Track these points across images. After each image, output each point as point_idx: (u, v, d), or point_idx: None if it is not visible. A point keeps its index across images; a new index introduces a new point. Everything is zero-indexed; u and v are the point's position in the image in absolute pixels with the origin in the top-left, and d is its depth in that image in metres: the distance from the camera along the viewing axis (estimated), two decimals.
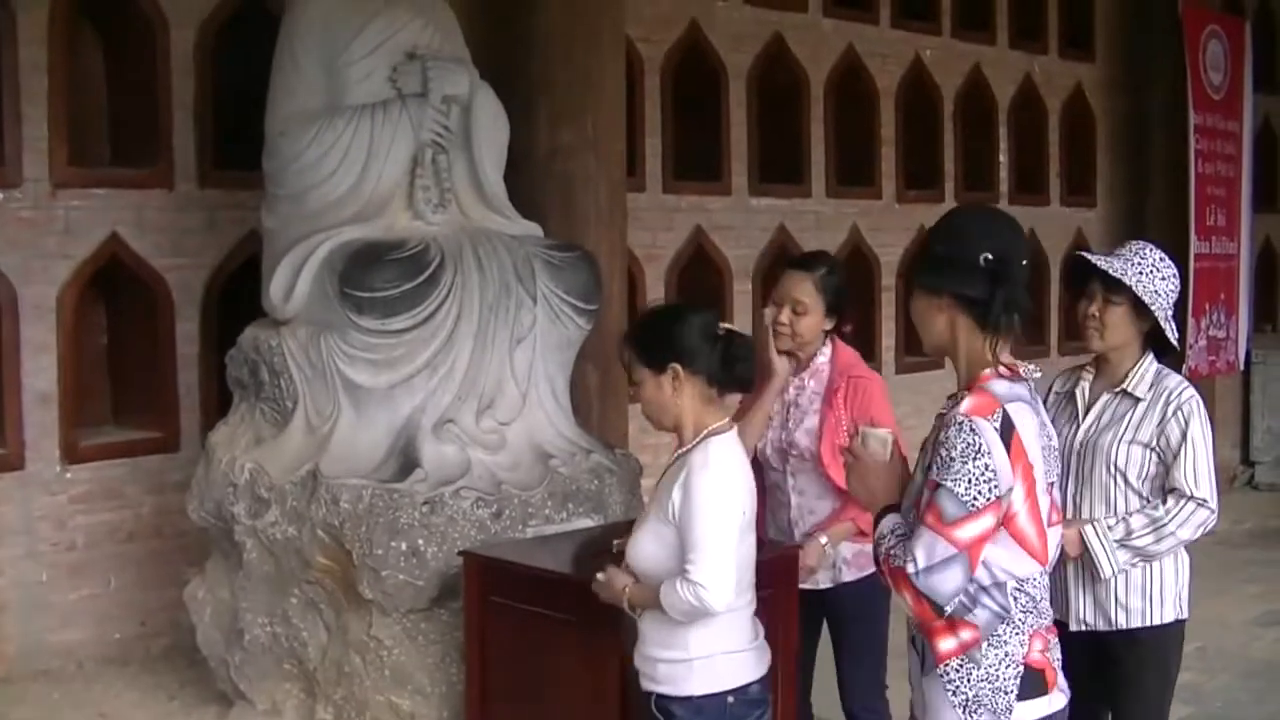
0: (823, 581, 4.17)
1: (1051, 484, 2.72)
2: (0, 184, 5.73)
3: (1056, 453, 2.80)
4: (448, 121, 5.24)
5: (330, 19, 5.22)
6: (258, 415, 5.16)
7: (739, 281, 8.16)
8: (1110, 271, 3.63)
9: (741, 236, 8.22)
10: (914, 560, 2.57)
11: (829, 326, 4.20)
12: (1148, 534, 3.62)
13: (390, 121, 5.13)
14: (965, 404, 2.63)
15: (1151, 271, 3.64)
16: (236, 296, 6.07)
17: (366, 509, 4.58)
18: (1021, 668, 2.66)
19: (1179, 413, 3.63)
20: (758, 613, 3.36)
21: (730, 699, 3.17)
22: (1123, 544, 3.63)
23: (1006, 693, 2.65)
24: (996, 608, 2.65)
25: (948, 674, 2.69)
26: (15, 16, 5.69)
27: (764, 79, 8.28)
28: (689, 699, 3.16)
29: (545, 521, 4.77)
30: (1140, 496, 3.66)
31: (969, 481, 2.56)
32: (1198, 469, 3.62)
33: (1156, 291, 3.63)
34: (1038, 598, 2.71)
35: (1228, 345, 10.57)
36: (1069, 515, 3.67)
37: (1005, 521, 2.62)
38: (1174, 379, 3.72)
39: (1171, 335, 3.69)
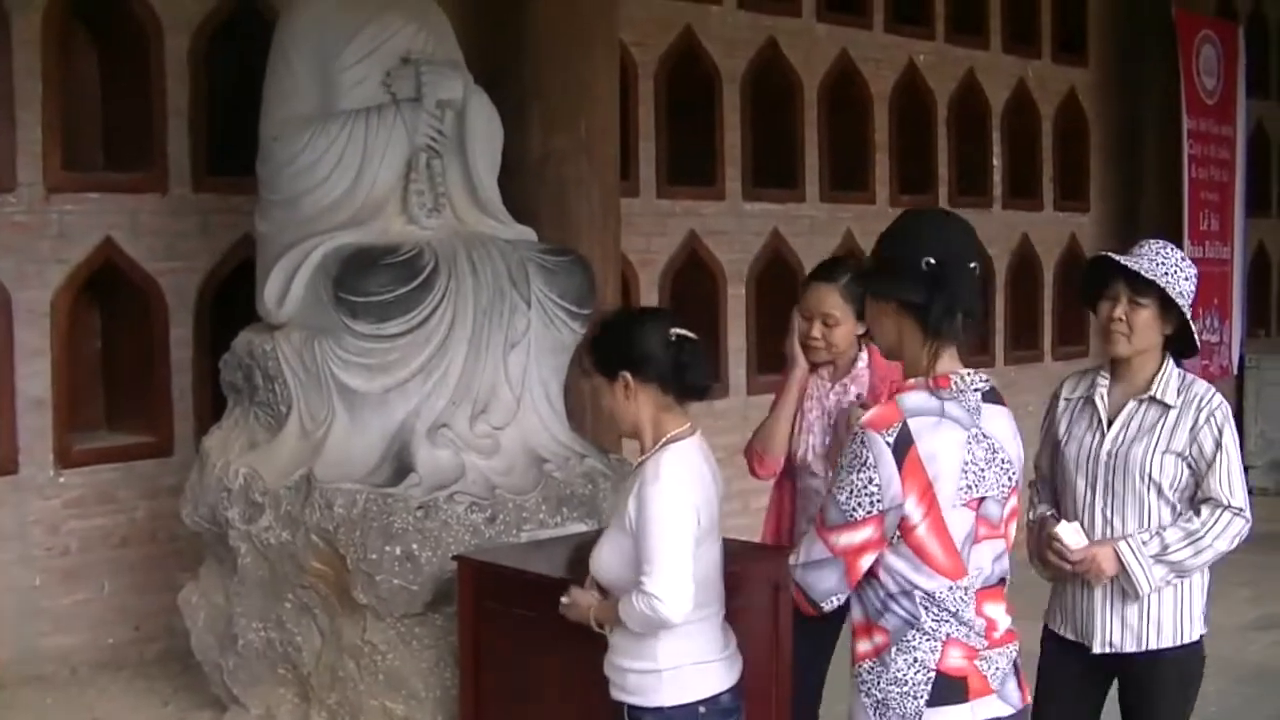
0: None
1: (983, 499, 2.65)
2: None
3: (1008, 467, 2.71)
4: (442, 126, 5.24)
5: (325, 24, 5.22)
6: (252, 420, 5.16)
7: (733, 286, 8.16)
8: (1142, 272, 3.49)
9: (735, 241, 8.22)
10: (797, 554, 2.71)
11: (861, 331, 4.12)
12: (1185, 547, 3.49)
13: (385, 126, 5.13)
14: (869, 414, 2.66)
15: (1176, 271, 3.51)
16: (230, 301, 6.06)
17: (361, 514, 4.58)
18: (933, 674, 2.64)
19: (1211, 420, 3.51)
20: (751, 618, 3.36)
21: (701, 709, 3.14)
22: (1159, 559, 3.49)
23: (915, 697, 2.64)
24: (905, 614, 2.66)
25: (861, 675, 2.72)
26: (9, 20, 5.69)
27: (758, 84, 8.28)
28: (660, 709, 3.14)
29: (539, 526, 4.77)
30: (1172, 508, 3.54)
31: (850, 492, 2.61)
32: (1232, 478, 3.50)
33: (1181, 292, 3.51)
34: (955, 609, 2.65)
35: (1221, 350, 10.59)
36: (1099, 530, 3.57)
37: (904, 533, 2.61)
38: (1201, 384, 3.59)
39: (1197, 337, 3.58)
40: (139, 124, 6.12)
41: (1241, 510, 3.51)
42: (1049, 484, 3.80)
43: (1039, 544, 3.67)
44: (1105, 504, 3.56)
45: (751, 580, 3.81)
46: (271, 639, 4.91)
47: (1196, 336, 3.59)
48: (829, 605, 2.68)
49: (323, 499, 4.66)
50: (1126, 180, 10.76)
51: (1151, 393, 3.56)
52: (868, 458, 2.59)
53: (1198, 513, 3.51)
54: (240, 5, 6.29)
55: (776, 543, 4.27)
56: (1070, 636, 3.66)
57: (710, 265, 8.10)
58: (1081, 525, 3.59)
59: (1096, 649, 3.58)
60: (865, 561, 2.63)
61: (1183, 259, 3.56)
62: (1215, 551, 3.52)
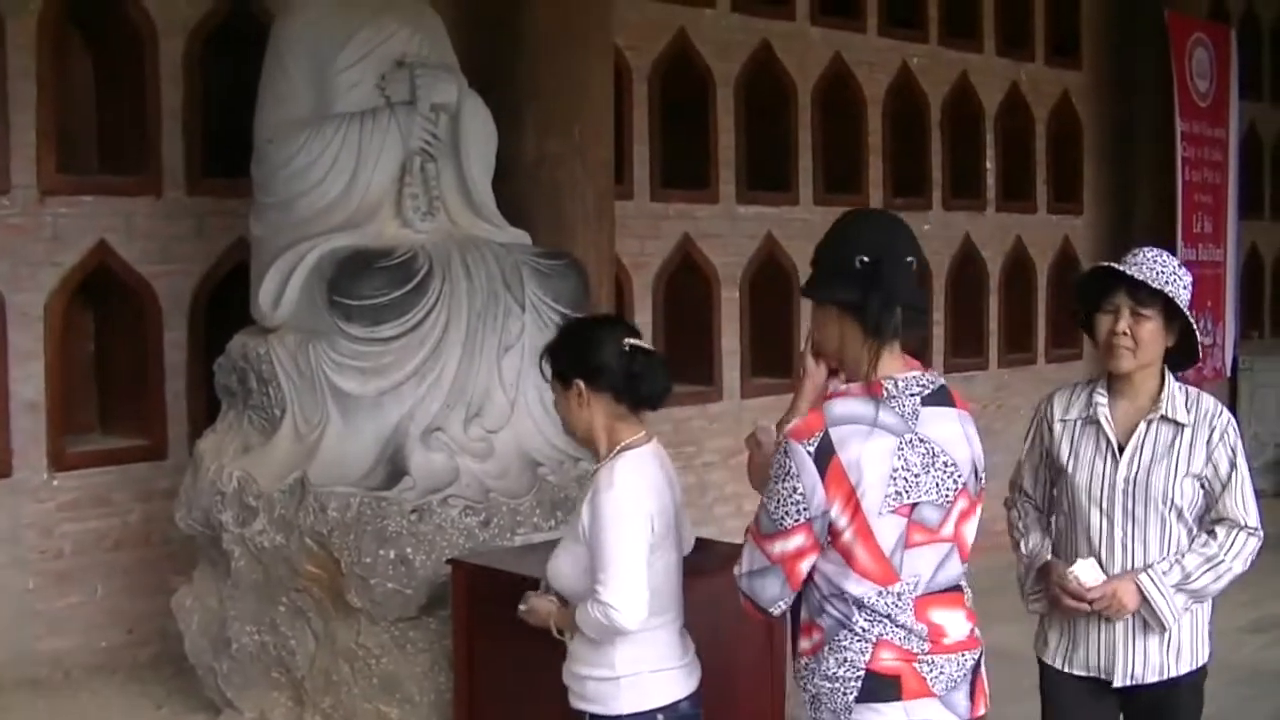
0: None
1: (916, 505, 2.62)
2: None
3: (953, 470, 2.66)
4: (436, 129, 5.25)
5: (319, 27, 5.23)
6: (246, 423, 5.16)
7: (726, 289, 8.17)
8: (1149, 282, 3.28)
9: (729, 244, 8.22)
10: (740, 564, 2.73)
11: None
12: (1206, 574, 3.34)
13: (379, 129, 5.14)
14: (792, 423, 2.67)
15: (1175, 280, 3.33)
16: (225, 304, 6.07)
17: (355, 517, 4.58)
18: (862, 672, 2.65)
19: (1224, 439, 3.36)
20: (745, 622, 3.35)
21: (660, 716, 3.13)
22: (1180, 588, 3.33)
23: (845, 693, 2.66)
24: (839, 615, 2.67)
25: (799, 670, 2.76)
26: (4, 24, 5.69)
27: (751, 87, 8.28)
28: (619, 717, 3.13)
29: (533, 529, 4.77)
30: (1188, 530, 3.38)
31: (778, 501, 2.63)
32: (1246, 497, 3.37)
33: (1182, 300, 3.33)
34: (888, 613, 2.64)
35: (1215, 352, 10.60)
36: (1119, 560, 3.38)
37: (832, 538, 2.63)
38: (1207, 399, 3.42)
39: (1199, 346, 3.42)
40: (133, 127, 6.12)
41: (1256, 530, 3.39)
42: (1037, 509, 3.61)
43: (1046, 585, 3.47)
44: (1125, 533, 3.38)
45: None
46: (265, 642, 4.91)
47: (1200, 346, 3.44)
48: (777, 610, 2.71)
49: (317, 502, 4.66)
50: (1120, 183, 10.78)
51: (1162, 411, 3.37)
52: (790, 467, 2.60)
53: (1211, 534, 3.38)
54: (235, 9, 6.29)
55: None
56: (1081, 673, 3.48)
57: (704, 268, 8.11)
58: (1099, 557, 3.41)
59: (1118, 683, 3.42)
60: (805, 565, 2.66)
61: (1179, 266, 3.37)
62: (1234, 574, 3.39)
